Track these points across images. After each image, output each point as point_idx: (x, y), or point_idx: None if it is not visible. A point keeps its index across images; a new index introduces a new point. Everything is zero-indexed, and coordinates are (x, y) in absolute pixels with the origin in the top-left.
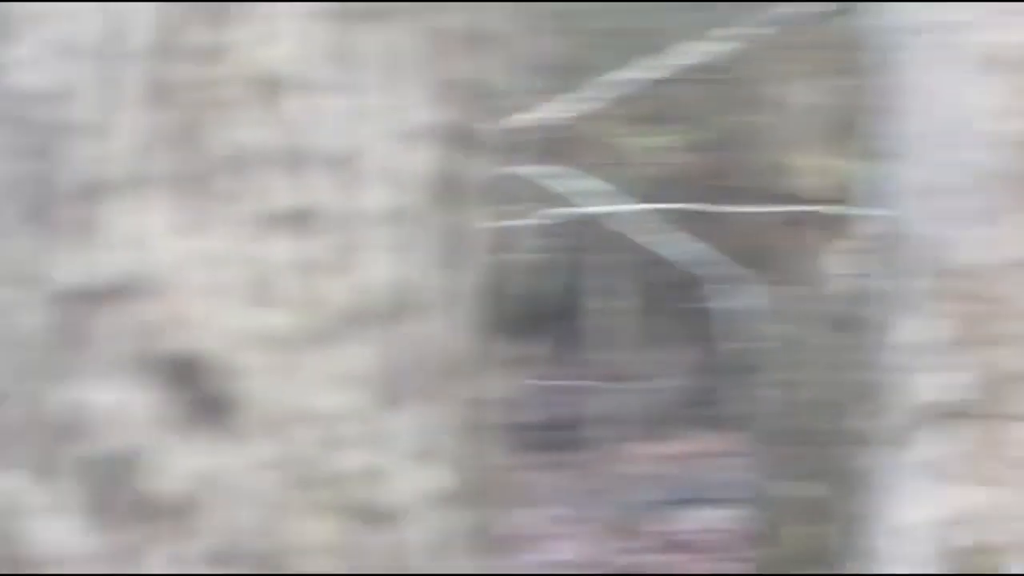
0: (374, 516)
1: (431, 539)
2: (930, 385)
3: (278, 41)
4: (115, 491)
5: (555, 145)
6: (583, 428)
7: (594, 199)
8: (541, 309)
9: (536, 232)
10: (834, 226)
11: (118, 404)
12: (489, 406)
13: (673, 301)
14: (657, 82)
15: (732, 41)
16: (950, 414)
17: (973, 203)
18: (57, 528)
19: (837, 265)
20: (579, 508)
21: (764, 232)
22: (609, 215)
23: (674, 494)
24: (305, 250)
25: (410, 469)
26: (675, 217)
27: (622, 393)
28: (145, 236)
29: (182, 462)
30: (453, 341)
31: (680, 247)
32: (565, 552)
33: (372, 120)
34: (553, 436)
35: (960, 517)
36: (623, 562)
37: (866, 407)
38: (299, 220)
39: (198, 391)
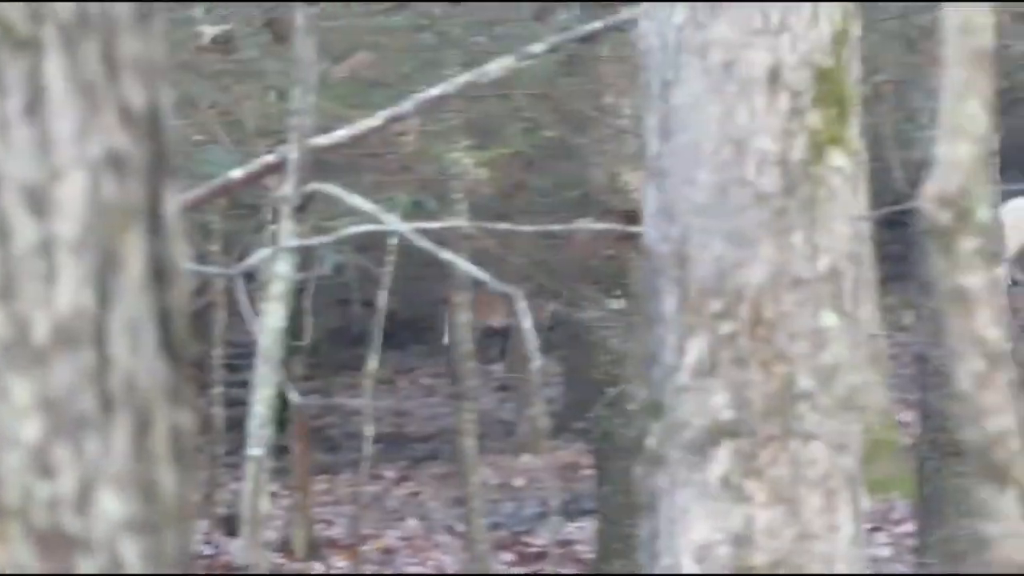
0: (65, 543)
1: (126, 566)
2: (710, 405)
3: None
4: None
5: (363, 162)
6: (440, 441)
7: (406, 215)
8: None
9: (346, 250)
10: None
11: None
12: (183, 433)
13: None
14: (469, 97)
15: (534, 55)
16: (731, 433)
17: (746, 223)
18: None
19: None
20: (438, 521)
21: (593, 248)
22: (422, 232)
23: (532, 506)
24: None
25: (101, 496)
26: (488, 233)
27: (467, 408)
28: None
29: None
30: (139, 368)
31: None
32: (425, 565)
33: (59, 148)
34: (410, 450)
35: (746, 536)
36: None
37: (652, 426)
38: None
39: None
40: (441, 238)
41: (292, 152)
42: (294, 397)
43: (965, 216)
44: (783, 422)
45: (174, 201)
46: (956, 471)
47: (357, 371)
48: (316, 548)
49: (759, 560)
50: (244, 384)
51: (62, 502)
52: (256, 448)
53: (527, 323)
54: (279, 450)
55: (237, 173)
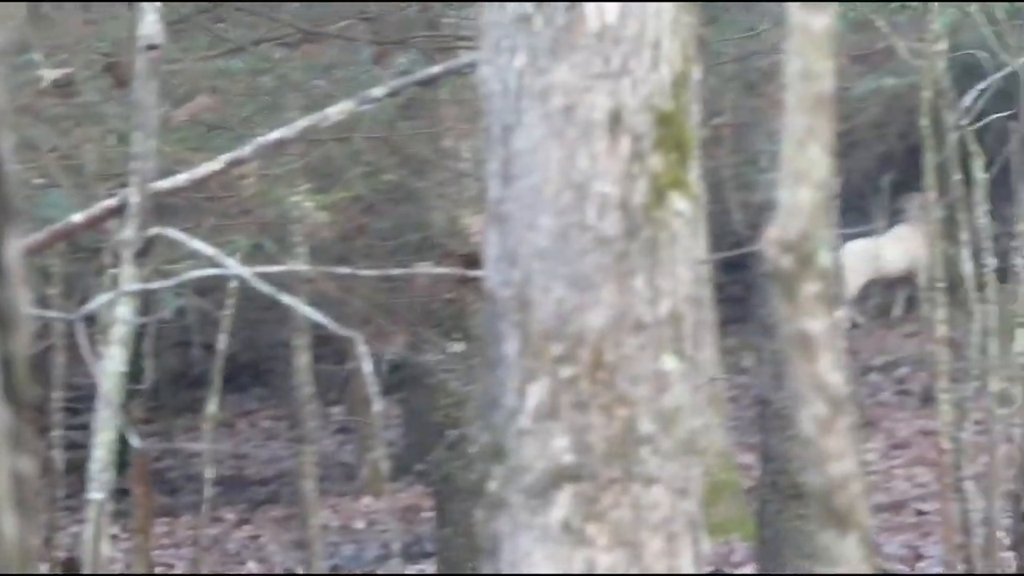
0: None
1: None
2: (551, 448)
3: None
4: None
5: (204, 205)
6: (280, 484)
7: (246, 259)
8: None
9: (186, 293)
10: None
11: None
12: (24, 478)
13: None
14: (311, 140)
15: (375, 99)
16: (572, 477)
17: (587, 267)
18: None
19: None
20: (278, 564)
21: (433, 291)
22: (262, 276)
23: (373, 549)
24: None
25: None
26: (328, 277)
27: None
28: None
29: None
30: None
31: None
32: None
33: None
34: (250, 492)
35: None
36: None
37: (493, 470)
38: None
39: None
40: (281, 281)
41: (133, 196)
42: (134, 440)
43: (807, 261)
44: (624, 465)
45: (15, 246)
46: (797, 514)
47: (197, 414)
48: None
49: None
50: (84, 427)
51: None
52: (97, 491)
53: (367, 367)
54: (119, 492)
55: (78, 217)
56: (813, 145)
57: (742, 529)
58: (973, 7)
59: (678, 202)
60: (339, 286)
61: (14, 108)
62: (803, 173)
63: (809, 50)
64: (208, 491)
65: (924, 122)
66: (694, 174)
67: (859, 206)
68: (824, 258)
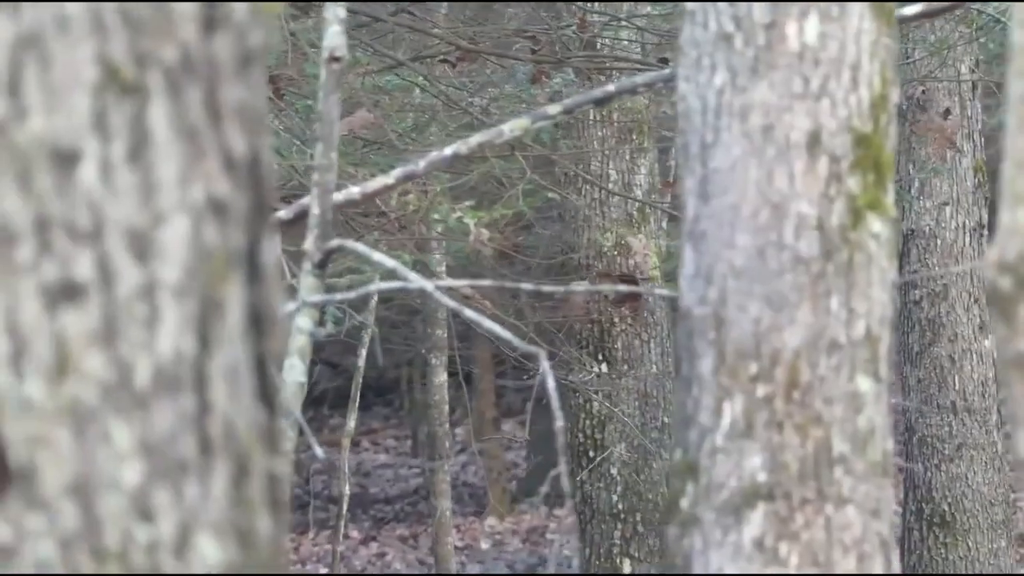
0: None
1: None
2: (745, 467)
3: (67, 112)
4: None
5: (372, 219)
6: (406, 502)
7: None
8: (378, 382)
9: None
10: (655, 306)
11: None
12: (278, 479)
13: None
14: (476, 157)
15: (549, 116)
16: (766, 496)
17: (783, 286)
18: None
19: (655, 344)
20: None
21: (589, 309)
22: (432, 290)
23: (495, 568)
24: (100, 321)
25: (199, 541)
26: (496, 293)
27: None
28: None
29: None
30: (238, 414)
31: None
32: None
33: (163, 193)
34: (393, 509)
35: None
36: None
37: (686, 487)
38: (93, 291)
39: None
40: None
41: (314, 207)
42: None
43: None
44: (818, 485)
45: (272, 249)
46: (942, 541)
47: (319, 431)
48: None
49: None
50: None
51: (161, 546)
52: None
53: (551, 383)
54: None
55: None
56: None
57: None
58: None
59: (875, 224)
60: (495, 303)
61: None
62: (1022, 195)
63: None
64: (343, 508)
65: None
66: (891, 196)
67: None
68: None
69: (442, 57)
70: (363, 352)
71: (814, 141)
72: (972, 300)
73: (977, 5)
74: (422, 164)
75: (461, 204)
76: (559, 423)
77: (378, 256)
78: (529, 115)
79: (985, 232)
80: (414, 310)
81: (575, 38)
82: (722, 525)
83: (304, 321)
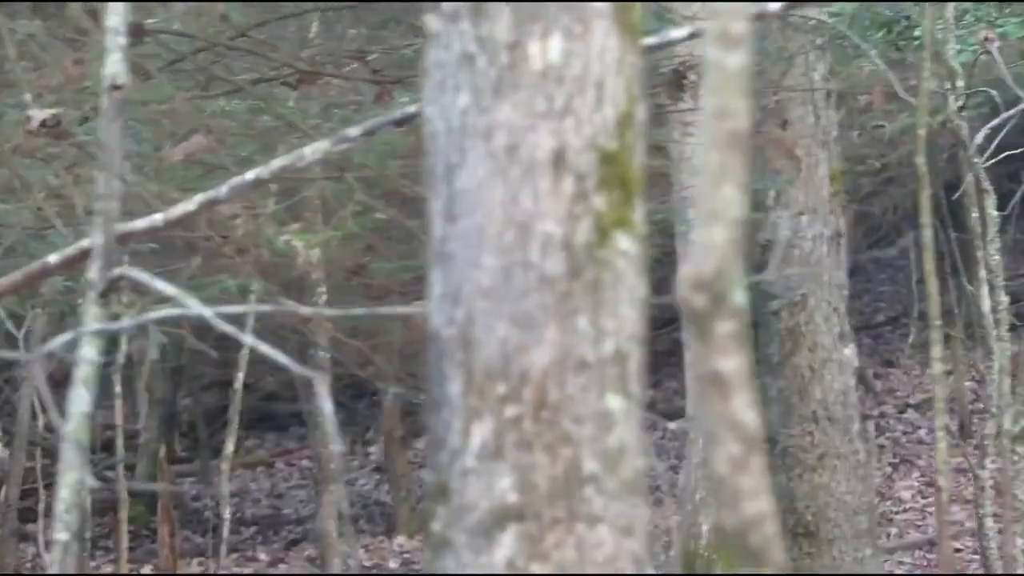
0: None
1: None
2: (495, 488)
3: None
4: None
5: (202, 245)
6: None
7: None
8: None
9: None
10: None
11: None
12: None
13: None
14: (295, 179)
15: (350, 139)
16: (517, 516)
17: (531, 306)
18: None
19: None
20: None
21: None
22: (210, 316)
23: None
24: None
25: None
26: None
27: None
28: None
29: None
30: None
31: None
32: None
33: None
34: (304, 529)
35: None
36: None
37: (438, 510)
38: None
39: None
40: (281, 322)
41: (97, 237)
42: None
43: (720, 300)
44: (568, 505)
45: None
46: (805, 552)
47: (236, 454)
48: None
49: None
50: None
51: None
52: (62, 532)
53: (328, 407)
54: (151, 531)
55: (53, 258)
56: (727, 184)
57: None
58: (994, 47)
59: (622, 241)
60: (338, 326)
61: (6, 148)
62: (717, 211)
63: (724, 88)
64: (226, 532)
65: (919, 160)
66: (639, 213)
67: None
68: (739, 297)
69: (283, 80)
70: (239, 375)
71: (559, 160)
72: (831, 309)
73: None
74: (224, 189)
75: (290, 227)
76: (336, 447)
77: (159, 284)
78: (331, 138)
79: (842, 240)
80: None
81: (417, 57)
82: (474, 547)
83: (88, 351)
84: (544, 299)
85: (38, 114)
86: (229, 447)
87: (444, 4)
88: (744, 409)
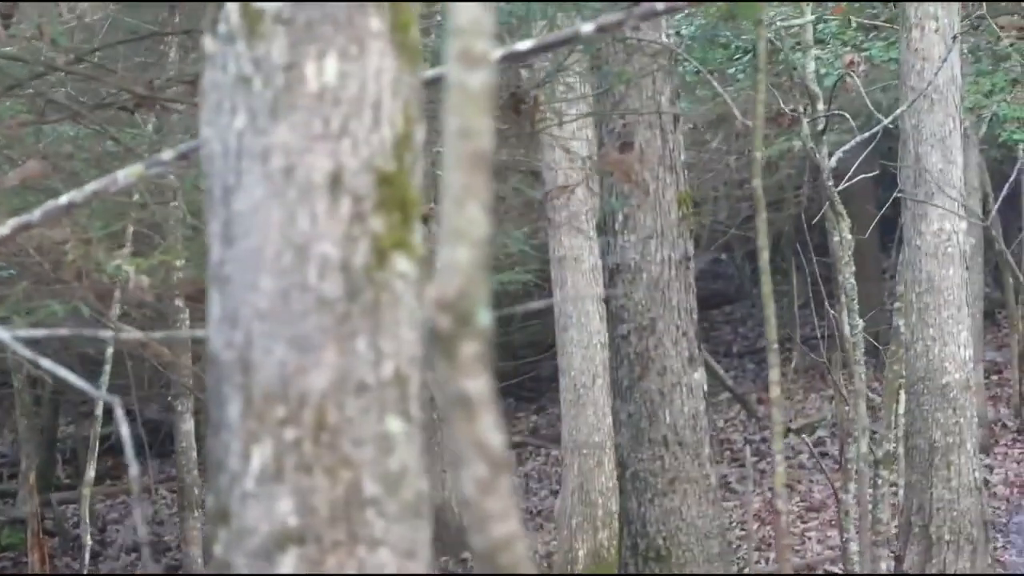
0: None
1: None
2: (275, 511)
3: None
4: None
5: (30, 268)
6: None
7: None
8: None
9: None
10: None
11: None
12: None
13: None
14: (136, 204)
15: (163, 163)
16: (297, 539)
17: (309, 328)
18: None
19: None
20: None
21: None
22: (8, 340)
23: None
24: None
25: None
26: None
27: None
28: None
29: None
30: None
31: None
32: None
33: None
34: (168, 558)
35: None
36: None
37: (219, 533)
38: None
39: None
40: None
41: None
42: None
43: (465, 320)
44: (349, 528)
45: None
46: (655, 574)
47: (118, 479)
48: None
49: None
50: None
51: None
52: None
53: (125, 430)
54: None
55: None
56: (471, 203)
57: None
58: (859, 70)
59: (401, 263)
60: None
61: None
62: (461, 231)
63: (466, 108)
64: (86, 558)
65: (755, 183)
66: (417, 235)
67: (778, 265)
68: (483, 317)
69: (120, 105)
70: (100, 402)
71: (336, 181)
72: (680, 333)
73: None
74: (37, 213)
75: (119, 251)
76: (132, 471)
77: None
78: (144, 162)
79: (691, 264)
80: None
81: None
82: (255, 570)
83: None
84: (322, 321)
85: None
86: (90, 473)
87: (220, 25)
88: (490, 430)
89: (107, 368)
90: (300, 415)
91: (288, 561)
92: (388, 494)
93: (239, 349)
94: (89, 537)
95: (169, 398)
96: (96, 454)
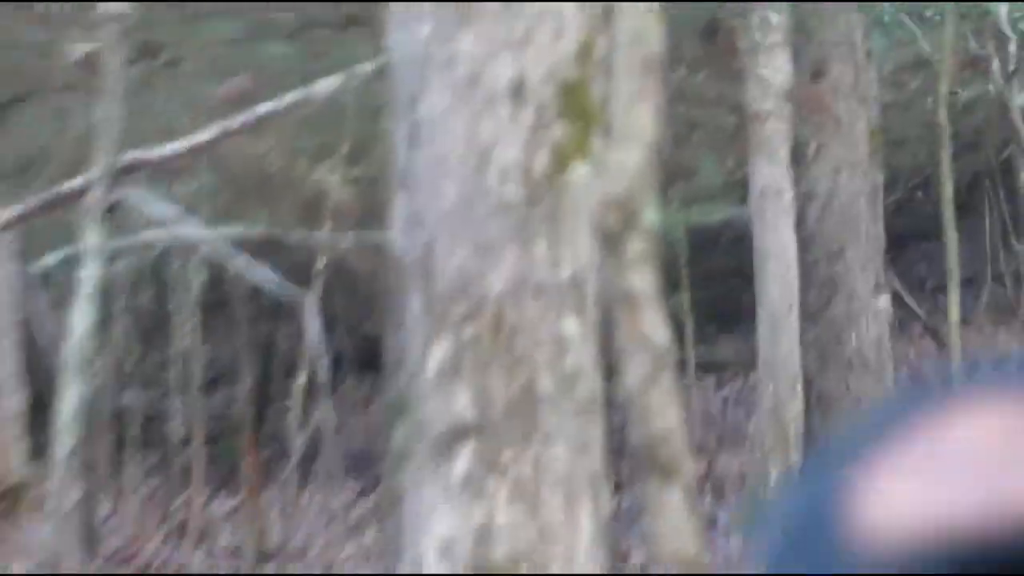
0: None
1: None
2: (453, 405)
3: None
4: None
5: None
6: None
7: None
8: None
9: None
10: None
11: None
12: None
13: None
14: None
15: (375, 72)
16: (473, 433)
17: (489, 232)
18: None
19: None
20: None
21: None
22: (202, 238)
23: None
24: None
25: None
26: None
27: None
28: None
29: None
30: None
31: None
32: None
33: None
34: (380, 465)
35: (487, 532)
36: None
37: (399, 426)
38: None
39: None
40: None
41: (100, 162)
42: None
43: (632, 220)
44: (524, 424)
45: None
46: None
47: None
48: (265, 555)
49: (499, 555)
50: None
51: None
52: (67, 442)
53: (314, 326)
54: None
55: (77, 182)
56: (641, 107)
57: None
58: None
59: (580, 170)
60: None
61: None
62: (631, 134)
63: (638, 13)
64: (294, 461)
65: (940, 113)
66: (597, 144)
67: (974, 206)
68: (650, 217)
69: (330, 23)
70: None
71: (519, 89)
72: (867, 261)
73: None
74: (238, 121)
75: (325, 164)
76: (322, 362)
77: (157, 206)
78: (342, 73)
79: (880, 195)
80: None
81: None
82: (432, 461)
83: (90, 269)
84: (503, 225)
85: (77, 48)
86: (301, 378)
87: None
88: (653, 325)
89: (318, 280)
90: (479, 315)
91: (464, 453)
92: (563, 392)
93: (422, 250)
94: (300, 444)
95: (378, 312)
96: (309, 367)
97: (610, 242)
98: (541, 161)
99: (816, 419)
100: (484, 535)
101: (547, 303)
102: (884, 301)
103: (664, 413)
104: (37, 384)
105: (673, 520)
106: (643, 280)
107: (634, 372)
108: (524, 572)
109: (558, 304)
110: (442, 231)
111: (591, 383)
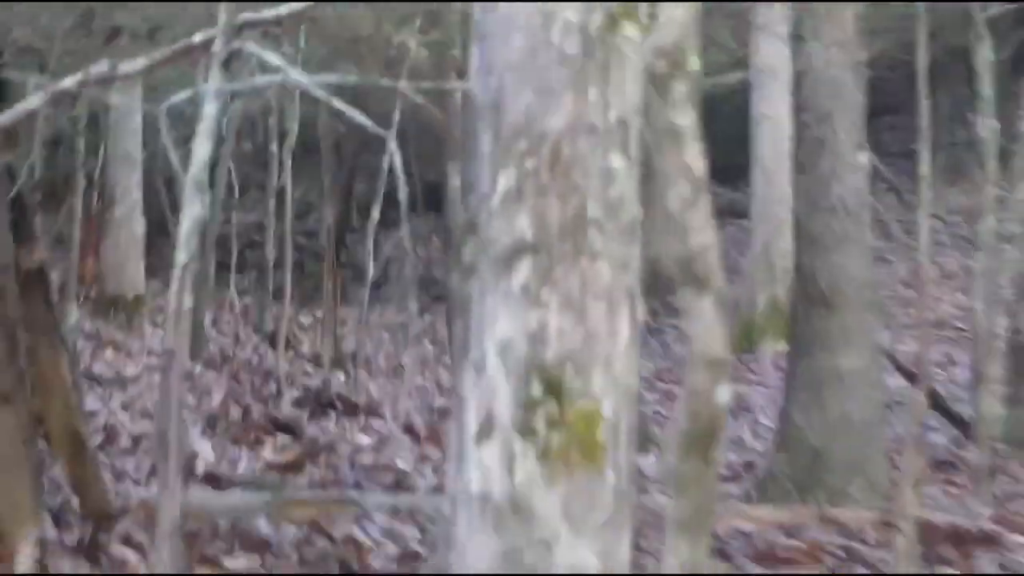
0: None
1: None
2: (515, 226)
3: None
4: None
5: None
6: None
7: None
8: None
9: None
10: None
11: None
12: None
13: None
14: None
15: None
16: (531, 250)
17: (548, 79)
18: None
19: None
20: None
21: None
22: (307, 85)
23: None
24: None
25: None
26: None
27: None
28: None
29: None
30: None
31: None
32: (425, 379)
33: None
34: (435, 288)
35: (540, 335)
36: None
37: (468, 242)
38: None
39: None
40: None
41: (222, 17)
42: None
43: (679, 64)
44: (575, 242)
45: None
46: (820, 315)
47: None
48: (340, 361)
49: (550, 355)
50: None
51: None
52: (184, 255)
53: (396, 161)
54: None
55: (197, 37)
56: None
57: None
58: None
59: (629, 29)
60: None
61: None
62: None
63: None
64: (368, 283)
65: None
66: (643, 8)
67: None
68: (694, 62)
69: None
70: (392, 151)
71: None
72: (850, 123)
73: None
74: None
75: (406, 27)
76: (402, 194)
77: (269, 56)
78: None
79: (862, 69)
80: None
81: None
82: (495, 273)
83: (210, 107)
84: (562, 73)
85: None
86: (375, 214)
87: None
88: (694, 157)
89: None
90: (539, 149)
91: (523, 267)
92: (608, 217)
93: (493, 94)
94: (372, 268)
95: (441, 162)
96: (381, 202)
97: (659, 84)
98: (596, 20)
99: (805, 256)
100: (537, 338)
101: (597, 141)
102: (863, 157)
103: (701, 231)
104: (153, 214)
105: (705, 324)
106: (686, 117)
107: (676, 196)
108: (570, 370)
109: (607, 142)
110: (510, 78)
111: (633, 210)
